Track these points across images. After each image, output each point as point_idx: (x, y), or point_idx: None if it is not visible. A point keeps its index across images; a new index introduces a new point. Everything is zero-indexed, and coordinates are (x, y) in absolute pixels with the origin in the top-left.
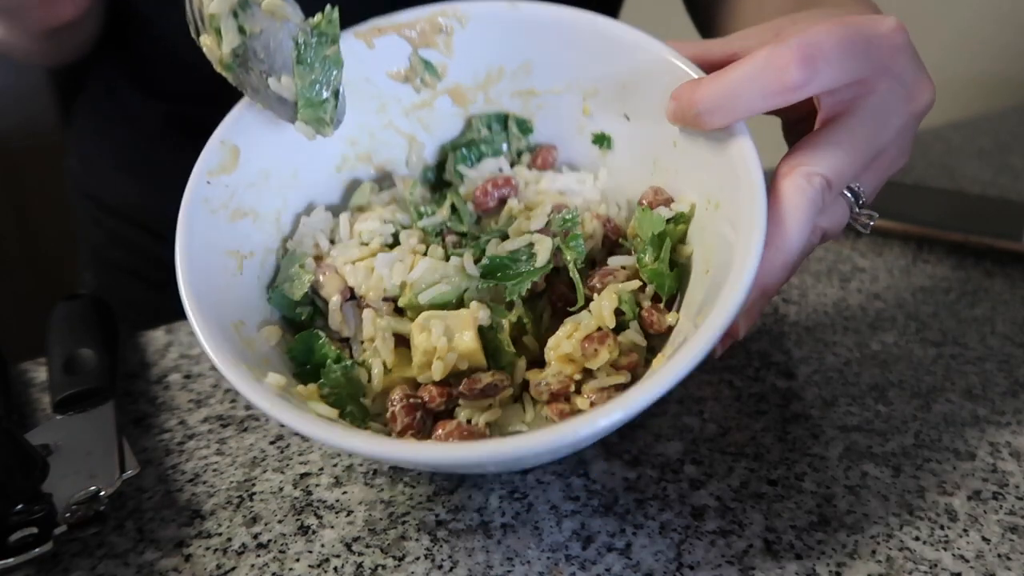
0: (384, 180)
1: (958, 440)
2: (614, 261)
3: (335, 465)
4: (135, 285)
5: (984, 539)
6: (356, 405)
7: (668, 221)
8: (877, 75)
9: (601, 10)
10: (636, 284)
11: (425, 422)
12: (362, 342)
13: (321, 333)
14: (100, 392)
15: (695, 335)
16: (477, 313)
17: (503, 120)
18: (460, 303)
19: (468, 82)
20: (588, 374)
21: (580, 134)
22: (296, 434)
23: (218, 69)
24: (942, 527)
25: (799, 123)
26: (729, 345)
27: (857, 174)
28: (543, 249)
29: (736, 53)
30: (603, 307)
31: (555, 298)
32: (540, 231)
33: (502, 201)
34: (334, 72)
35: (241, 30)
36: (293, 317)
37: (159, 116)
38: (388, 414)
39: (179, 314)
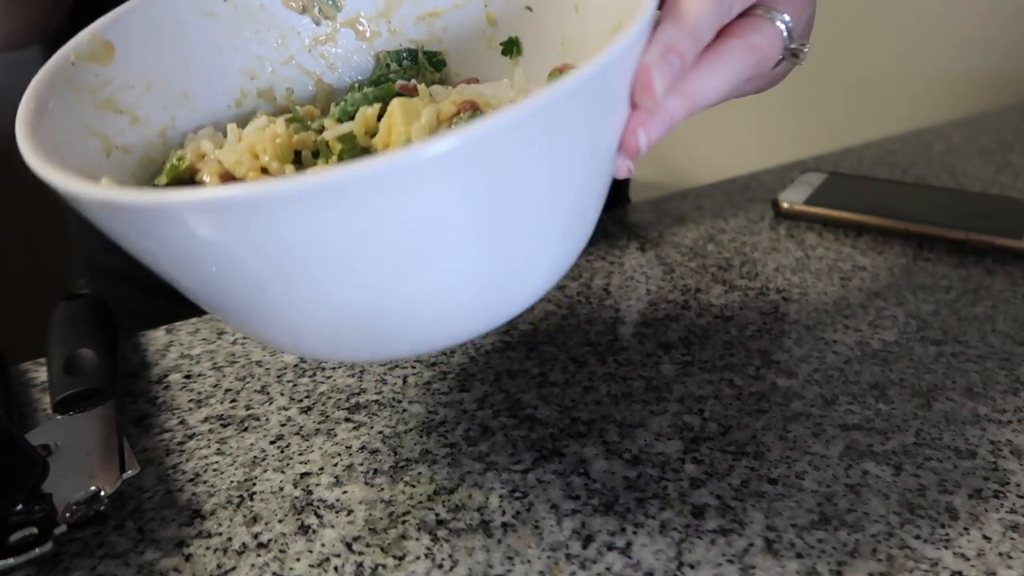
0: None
1: (959, 438)
2: None
3: (335, 465)
4: (131, 291)
5: (985, 537)
6: None
7: None
8: None
9: None
10: None
11: None
12: None
13: None
14: (100, 392)
15: (579, 66)
16: None
17: (413, 55)
18: None
19: (369, 9)
20: None
21: (490, 48)
22: (296, 433)
23: None
24: (943, 525)
25: None
26: (651, 131)
27: None
28: None
29: None
30: None
31: None
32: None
33: None
34: None
35: None
36: None
37: None
38: None
39: (178, 319)
